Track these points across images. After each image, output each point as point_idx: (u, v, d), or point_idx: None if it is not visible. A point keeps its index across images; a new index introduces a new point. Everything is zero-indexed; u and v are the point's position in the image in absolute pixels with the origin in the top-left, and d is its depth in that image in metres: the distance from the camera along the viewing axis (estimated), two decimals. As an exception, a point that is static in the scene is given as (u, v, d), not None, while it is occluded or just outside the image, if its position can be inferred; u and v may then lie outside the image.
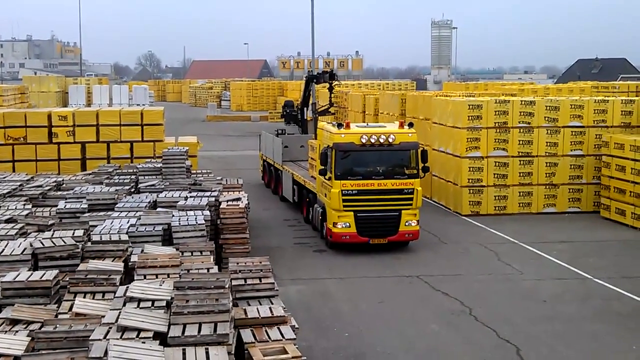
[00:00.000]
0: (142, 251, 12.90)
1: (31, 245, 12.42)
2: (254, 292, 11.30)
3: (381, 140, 18.13)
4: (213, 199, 17.44)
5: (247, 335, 9.64)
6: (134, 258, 12.48)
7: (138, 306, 9.60)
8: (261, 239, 19.88)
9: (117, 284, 11.02)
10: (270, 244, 19.50)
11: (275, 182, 26.37)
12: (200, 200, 17.01)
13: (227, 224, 16.41)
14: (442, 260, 18.07)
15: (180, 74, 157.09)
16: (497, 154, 23.27)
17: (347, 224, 18.25)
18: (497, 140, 23.25)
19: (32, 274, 11.02)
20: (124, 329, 8.80)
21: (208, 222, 15.32)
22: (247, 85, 79.93)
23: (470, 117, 23.10)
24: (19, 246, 12.47)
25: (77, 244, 12.57)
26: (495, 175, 23.30)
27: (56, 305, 10.69)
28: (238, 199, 18.10)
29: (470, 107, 23.14)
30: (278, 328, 9.85)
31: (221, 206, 16.93)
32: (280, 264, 17.37)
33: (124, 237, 13.46)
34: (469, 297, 15.12)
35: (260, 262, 12.17)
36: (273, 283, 11.56)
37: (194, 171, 21.67)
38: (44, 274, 11.04)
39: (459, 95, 29.09)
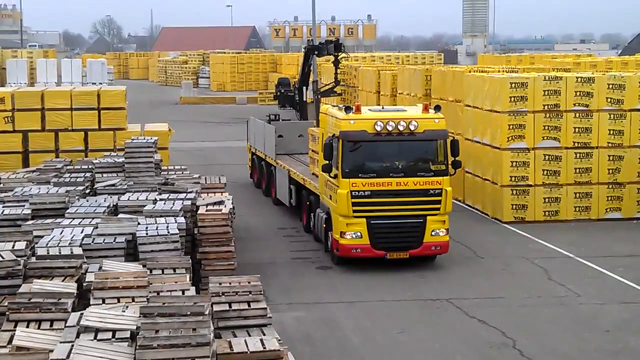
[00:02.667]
0: (100, 268, 12.92)
1: (-40, 261, 12.43)
2: (241, 320, 11.32)
3: (400, 128, 18.13)
4: (189, 202, 17.46)
5: (232, 374, 9.68)
6: (89, 277, 12.48)
7: (95, 338, 9.62)
8: (250, 252, 19.90)
9: (69, 309, 11.04)
10: (262, 259, 19.51)
11: (267, 181, 26.40)
12: (173, 204, 17.02)
13: (206, 234, 16.43)
14: (478, 280, 18.05)
15: (147, 45, 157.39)
16: (546, 145, 23.26)
17: (358, 234, 18.27)
18: (546, 128, 23.23)
19: (-39, 298, 11.05)
20: (77, 367, 8.82)
21: (183, 232, 15.34)
22: (231, 58, 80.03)
23: (512, 99, 23.09)
24: (-56, 262, 12.49)
25: (18, 259, 12.58)
26: (545, 172, 23.29)
27: (-8, 336, 10.70)
28: (220, 203, 18.12)
29: (513, 85, 23.13)
30: (272, 365, 9.88)
31: (199, 212, 16.96)
32: (274, 284, 17.38)
33: (77, 251, 13.47)
34: (512, 326, 15.09)
35: (249, 282, 12.19)
36: (265, 308, 11.58)
37: (165, 167, 21.70)
38: (-23, 297, 11.06)
39: (499, 71, 29.10)
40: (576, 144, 23.38)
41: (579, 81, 23.45)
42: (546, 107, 23.23)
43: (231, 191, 21.03)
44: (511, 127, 23.11)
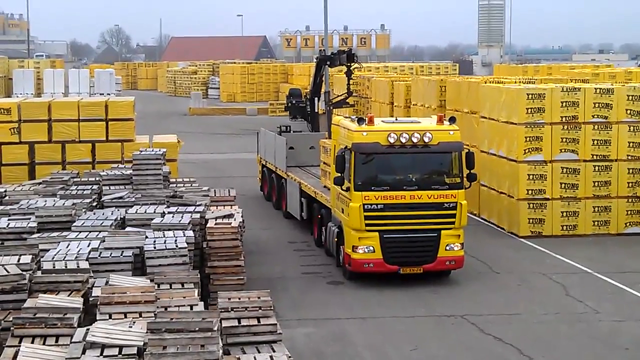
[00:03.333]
0: (106, 283, 12.95)
1: (-35, 275, 12.48)
2: (251, 336, 11.33)
3: (414, 140, 18.14)
4: (198, 215, 17.48)
5: (241, 392, 9.67)
6: (96, 292, 12.51)
7: (101, 354, 9.63)
8: (259, 267, 19.90)
9: (75, 325, 11.06)
10: (271, 273, 19.51)
11: (278, 193, 26.42)
12: (182, 217, 17.05)
13: (215, 248, 16.44)
14: (494, 296, 18.00)
15: (156, 55, 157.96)
16: (564, 158, 23.21)
17: (371, 248, 18.25)
18: (564, 140, 23.18)
19: (-35, 312, 11.09)
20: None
21: (191, 246, 15.36)
22: (242, 69, 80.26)
23: (529, 110, 23.07)
24: (-51, 276, 12.54)
25: (24, 273, 12.62)
26: (563, 186, 23.23)
27: (-4, 352, 10.74)
28: (230, 216, 18.13)
29: (530, 96, 23.10)
30: (282, 383, 9.88)
31: (208, 225, 16.97)
32: (285, 299, 17.37)
33: (84, 265, 13.51)
34: (528, 343, 15.03)
35: (259, 298, 12.20)
36: (275, 324, 11.58)
37: (174, 179, 21.75)
38: (-19, 312, 11.10)
39: (515, 82, 29.07)
40: (595, 157, 23.31)
41: (597, 92, 23.40)
42: (564, 118, 23.18)
43: (241, 204, 21.06)
44: (528, 139, 23.06)
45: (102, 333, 10.05)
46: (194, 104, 68.07)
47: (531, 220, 23.16)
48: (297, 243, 22.49)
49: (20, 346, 10.41)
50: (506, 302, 17.56)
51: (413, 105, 32.30)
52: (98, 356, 9.57)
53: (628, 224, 23.48)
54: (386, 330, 15.81)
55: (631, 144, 23.40)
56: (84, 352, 9.77)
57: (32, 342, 10.67)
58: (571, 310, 17.04)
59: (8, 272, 12.54)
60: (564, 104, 23.17)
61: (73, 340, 10.34)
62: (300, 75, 71.54)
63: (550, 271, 19.83)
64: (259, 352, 10.98)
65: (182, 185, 21.19)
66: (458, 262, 18.61)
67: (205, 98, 75.46)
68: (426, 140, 18.18)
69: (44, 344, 10.69)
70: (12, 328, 11.06)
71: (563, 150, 23.21)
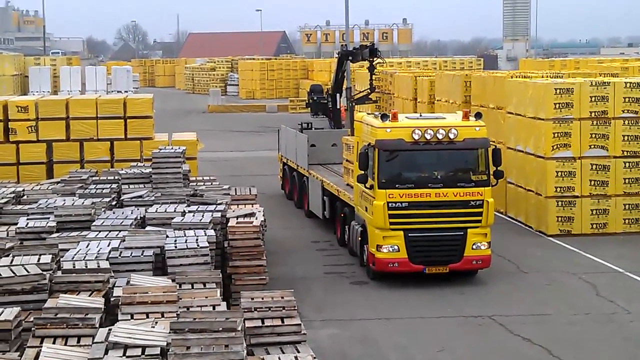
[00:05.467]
0: (127, 283, 13.04)
1: (-16, 275, 12.61)
2: (275, 337, 11.38)
3: (439, 136, 18.11)
4: (219, 214, 17.56)
5: (266, 393, 9.72)
6: (117, 292, 12.61)
7: (124, 354, 9.70)
8: (281, 267, 19.95)
9: (96, 325, 11.15)
10: (294, 273, 19.55)
11: (300, 192, 26.46)
12: (202, 216, 17.14)
13: (237, 248, 16.51)
14: (522, 296, 17.96)
15: (173, 51, 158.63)
16: (594, 154, 23.10)
17: (396, 248, 18.25)
18: (594, 136, 23.07)
19: (-14, 313, 11.20)
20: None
21: (213, 245, 15.43)
22: (261, 65, 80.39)
23: (557, 105, 22.97)
24: (-32, 276, 12.67)
25: (44, 273, 12.73)
26: (593, 183, 23.12)
27: (18, 353, 10.83)
28: (251, 215, 18.19)
29: (558, 91, 23.01)
30: (307, 384, 9.92)
31: (229, 224, 17.04)
32: (307, 300, 17.40)
33: (104, 265, 13.61)
34: (558, 344, 14.99)
35: (282, 298, 12.25)
36: (299, 324, 11.62)
37: (193, 178, 21.84)
38: (2, 312, 11.22)
39: (542, 76, 28.95)
40: (625, 153, 23.18)
41: (628, 87, 23.27)
42: (593, 114, 23.06)
43: (261, 203, 21.11)
44: (556, 135, 22.97)
45: (124, 333, 10.13)
46: (213, 101, 68.21)
47: (560, 219, 23.06)
48: (320, 242, 22.52)
49: (41, 346, 10.51)
50: (535, 302, 17.50)
51: (437, 101, 32.24)
52: (121, 356, 9.65)
53: (660, 222, 23.34)
54: (412, 331, 15.81)
55: (663, 140, 23.25)
56: (106, 353, 9.85)
57: (54, 343, 10.77)
58: (602, 310, 16.96)
59: (28, 272, 12.65)
60: (593, 98, 23.05)
61: (95, 340, 10.43)
62: (321, 71, 71.55)
63: (580, 270, 19.74)
64: (283, 352, 11.02)
65: (202, 183, 21.28)
66: (485, 261, 18.57)
67: (224, 95, 75.67)
68: (451, 136, 18.15)
69: (65, 344, 10.79)
70: (33, 328, 11.16)
71: (592, 147, 23.09)
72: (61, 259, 14.02)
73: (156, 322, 10.73)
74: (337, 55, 28.97)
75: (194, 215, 17.19)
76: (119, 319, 11.40)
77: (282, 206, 27.16)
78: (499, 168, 18.63)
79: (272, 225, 22.84)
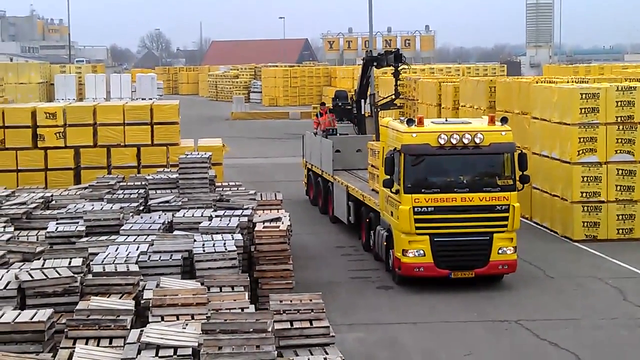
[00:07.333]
0: (157, 285, 13.19)
1: (16, 277, 12.80)
2: (303, 339, 11.47)
3: (465, 141, 18.16)
4: (245, 219, 17.69)
5: (296, 394, 9.81)
6: (147, 294, 12.77)
7: (156, 355, 9.82)
8: (306, 271, 20.04)
9: (128, 326, 11.30)
10: (319, 278, 19.63)
11: (324, 197, 26.54)
12: (229, 220, 17.27)
13: (264, 252, 16.63)
14: (549, 300, 17.95)
15: (197, 59, 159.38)
16: (620, 159, 23.02)
17: (421, 252, 18.29)
18: (620, 141, 23.01)
19: (19, 314, 11.36)
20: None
21: (240, 249, 15.56)
22: (284, 72, 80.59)
23: (583, 110, 22.94)
24: (0, 279, 12.85)
25: (75, 276, 12.92)
26: (619, 188, 23.04)
27: (51, 354, 10.99)
28: (277, 219, 18.30)
29: (584, 96, 22.98)
30: (336, 385, 10.00)
31: (256, 228, 17.16)
32: (333, 304, 17.44)
33: (134, 268, 13.77)
34: (585, 349, 14.99)
35: (311, 300, 12.35)
36: (328, 327, 11.71)
37: (220, 183, 22.00)
38: (35, 313, 11.37)
39: (567, 81, 28.90)
40: (652, 158, 23.11)
41: (654, 91, 23.19)
42: (619, 119, 23.02)
43: (286, 208, 21.21)
44: (582, 140, 22.93)
45: (156, 334, 10.26)
46: (236, 108, 68.47)
47: (586, 224, 23.01)
48: (345, 247, 22.59)
49: (74, 348, 10.66)
50: (561, 307, 17.49)
51: (461, 106, 32.23)
52: (153, 357, 9.78)
53: (687, 228, 23.21)
54: (438, 336, 15.85)
55: (690, 145, 23.14)
56: (139, 353, 9.99)
57: (86, 344, 10.91)
58: (630, 315, 16.92)
59: (60, 274, 12.83)
60: (619, 103, 23.00)
61: (127, 341, 10.57)
62: (344, 78, 71.55)
63: (607, 275, 19.69)
64: (312, 354, 11.10)
65: (228, 189, 21.43)
66: (511, 266, 18.58)
67: (247, 102, 75.90)
68: (477, 141, 18.18)
69: (97, 345, 10.93)
70: (65, 330, 11.32)
71: (618, 152, 23.03)
72: (91, 263, 14.20)
73: (187, 324, 10.85)
74: (363, 61, 29.00)
75: (220, 220, 17.32)
76: (149, 321, 11.53)
77: (306, 212, 27.25)
78: (525, 173, 18.64)
79: (297, 230, 22.94)
